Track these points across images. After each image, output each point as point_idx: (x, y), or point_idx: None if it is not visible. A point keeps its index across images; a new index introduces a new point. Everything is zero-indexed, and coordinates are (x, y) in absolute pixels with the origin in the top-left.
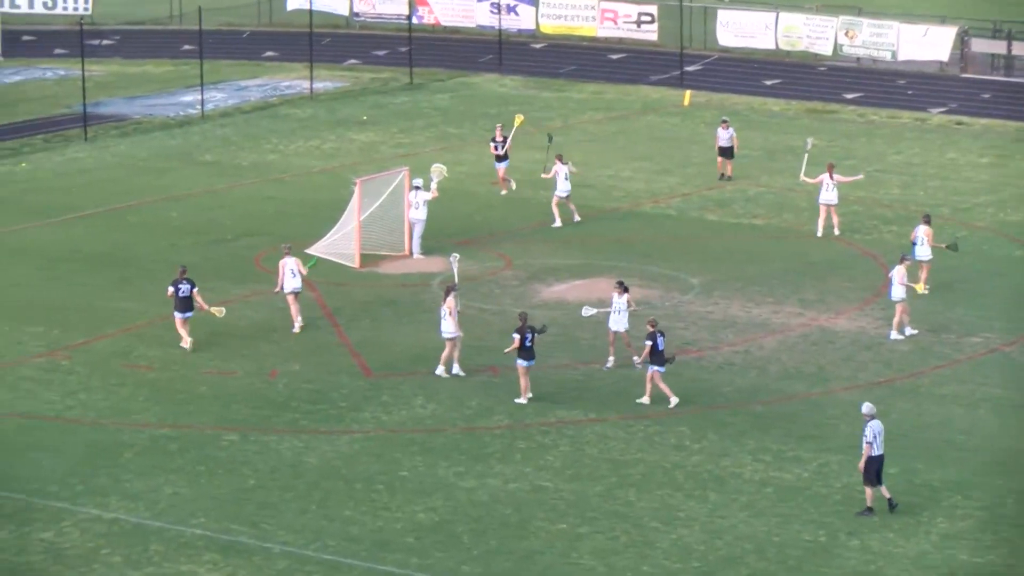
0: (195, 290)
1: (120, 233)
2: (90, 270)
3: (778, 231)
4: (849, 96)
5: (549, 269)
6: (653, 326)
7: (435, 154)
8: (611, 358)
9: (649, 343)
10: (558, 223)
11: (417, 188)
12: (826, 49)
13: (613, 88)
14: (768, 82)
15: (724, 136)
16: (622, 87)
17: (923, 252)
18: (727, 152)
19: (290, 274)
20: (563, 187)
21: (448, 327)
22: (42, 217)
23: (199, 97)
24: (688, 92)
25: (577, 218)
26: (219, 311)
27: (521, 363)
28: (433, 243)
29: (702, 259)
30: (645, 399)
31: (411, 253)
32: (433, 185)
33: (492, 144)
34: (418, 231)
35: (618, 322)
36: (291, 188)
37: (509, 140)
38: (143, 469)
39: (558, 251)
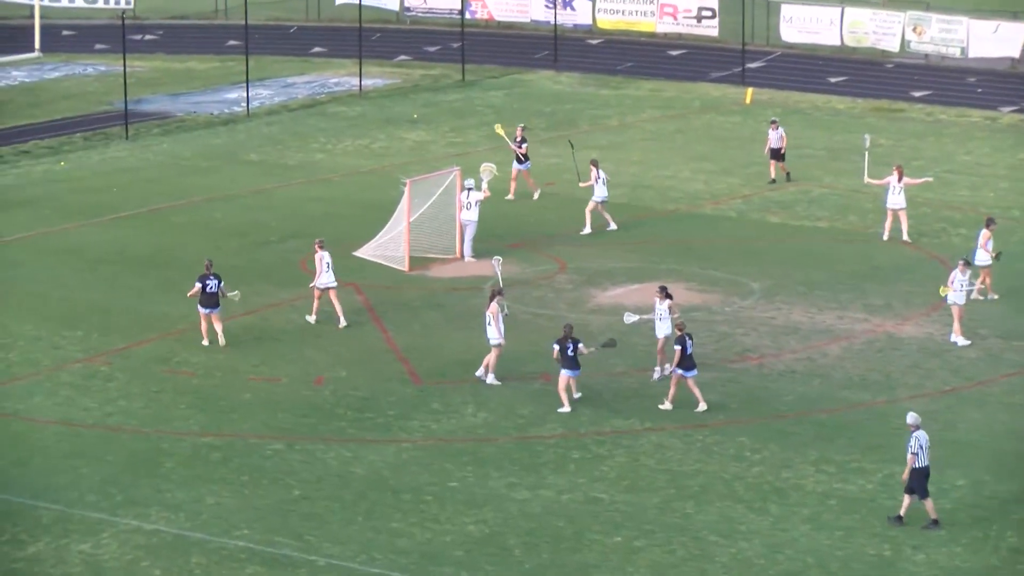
0: (222, 285)
1: (163, 234)
2: (133, 272)
3: (843, 234)
4: (917, 94)
5: (605, 273)
6: (681, 329)
7: (487, 153)
8: (657, 368)
9: (679, 347)
10: (587, 229)
11: (469, 189)
12: (893, 45)
13: (672, 85)
14: (833, 79)
15: (774, 137)
16: (681, 84)
17: (982, 257)
18: (777, 154)
19: (325, 267)
20: (600, 192)
21: (492, 333)
22: (84, 217)
23: (244, 94)
24: (750, 90)
25: (612, 226)
26: (235, 295)
27: (565, 373)
28: (484, 246)
29: (763, 263)
30: (667, 404)
31: (462, 256)
32: (484, 184)
33: (515, 144)
34: (470, 233)
35: (663, 328)
36: (339, 188)
37: (519, 143)
38: (185, 479)
39: (614, 254)
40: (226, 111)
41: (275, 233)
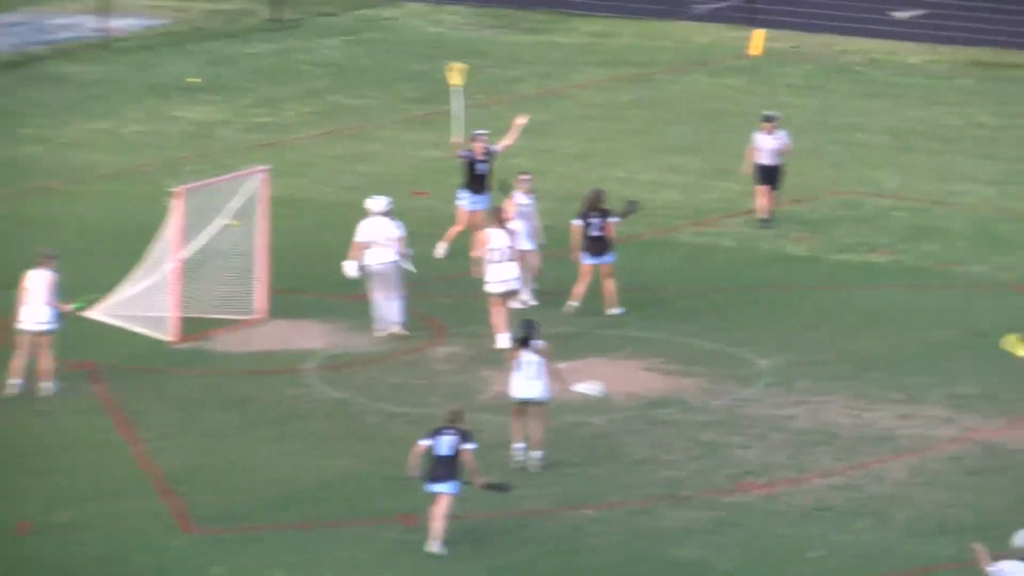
0: None
1: None
2: None
3: (914, 273)
4: None
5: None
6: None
7: (319, 141)
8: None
9: (427, 443)
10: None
11: (387, 215)
12: None
13: (629, 25)
14: (899, 14)
15: (767, 144)
16: (645, 24)
17: None
18: (770, 174)
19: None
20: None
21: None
22: None
23: None
24: (760, 32)
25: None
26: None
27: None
28: (294, 303)
29: (779, 325)
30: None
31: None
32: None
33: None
34: (387, 288)
35: (528, 386)
36: (64, 203)
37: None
38: None
39: (527, 312)
40: None
41: None
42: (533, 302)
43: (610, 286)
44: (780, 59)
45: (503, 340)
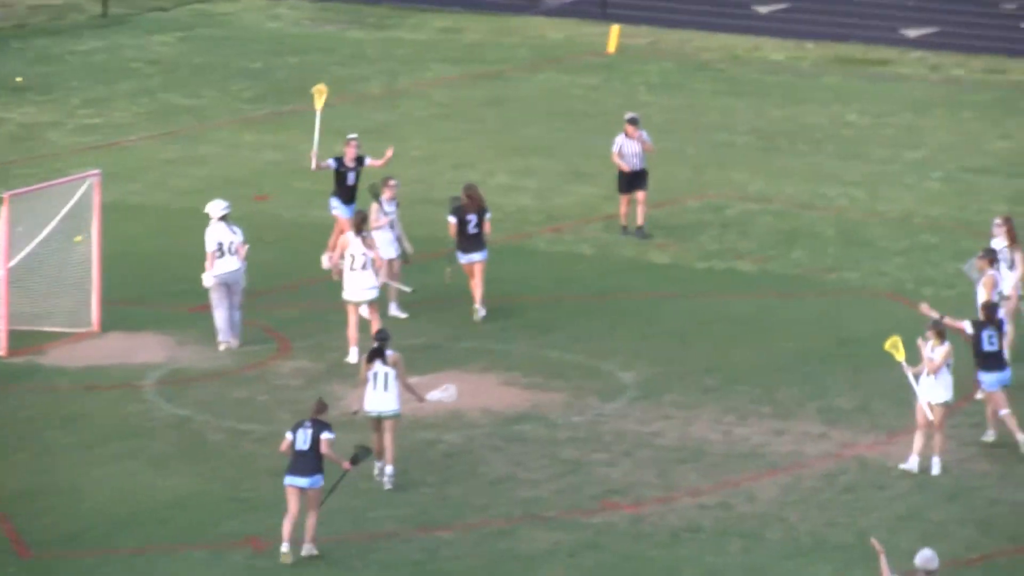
0: None
1: None
2: None
3: (784, 281)
4: (912, 34)
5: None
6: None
7: (152, 143)
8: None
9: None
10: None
11: (226, 222)
12: None
13: (479, 21)
14: (763, 8)
15: (631, 149)
16: (496, 19)
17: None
18: (637, 180)
19: None
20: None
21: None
22: None
23: None
24: (615, 28)
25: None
26: None
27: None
28: (130, 311)
29: (642, 336)
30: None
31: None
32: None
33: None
34: (222, 303)
35: (382, 400)
36: None
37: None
38: None
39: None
40: None
41: None
42: (402, 315)
43: (480, 284)
44: (633, 54)
45: (354, 354)
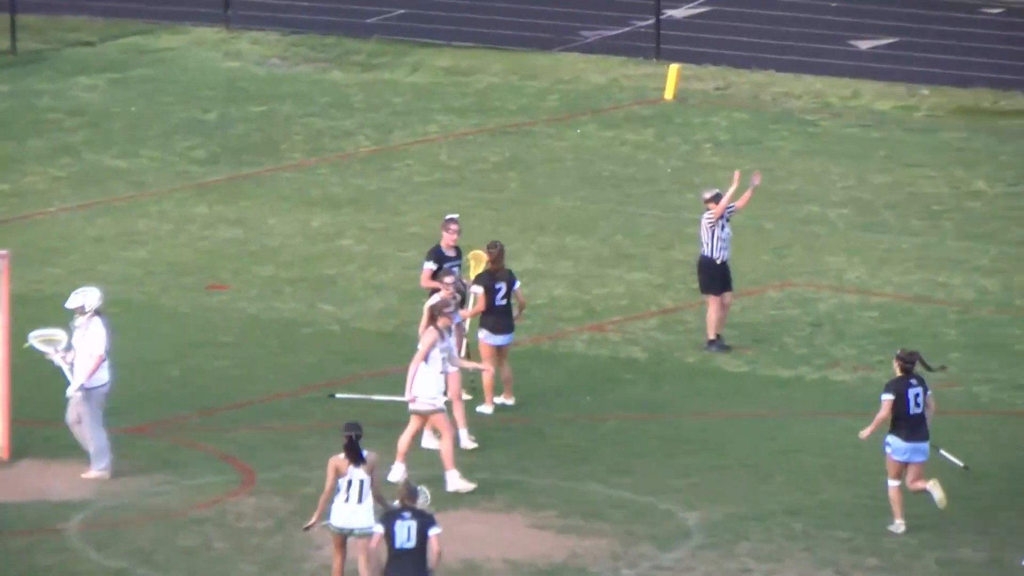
0: None
1: None
2: None
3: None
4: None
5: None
6: None
7: (75, 216)
8: None
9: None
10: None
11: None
12: None
13: (494, 60)
14: (863, 44)
15: (721, 234)
16: (516, 56)
17: None
18: (723, 275)
19: None
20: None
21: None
22: None
23: None
24: (673, 68)
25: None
26: None
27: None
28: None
29: (709, 466)
30: None
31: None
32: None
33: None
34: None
35: (353, 513)
36: None
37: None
38: None
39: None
40: None
41: None
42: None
43: (509, 373)
44: (697, 102)
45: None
